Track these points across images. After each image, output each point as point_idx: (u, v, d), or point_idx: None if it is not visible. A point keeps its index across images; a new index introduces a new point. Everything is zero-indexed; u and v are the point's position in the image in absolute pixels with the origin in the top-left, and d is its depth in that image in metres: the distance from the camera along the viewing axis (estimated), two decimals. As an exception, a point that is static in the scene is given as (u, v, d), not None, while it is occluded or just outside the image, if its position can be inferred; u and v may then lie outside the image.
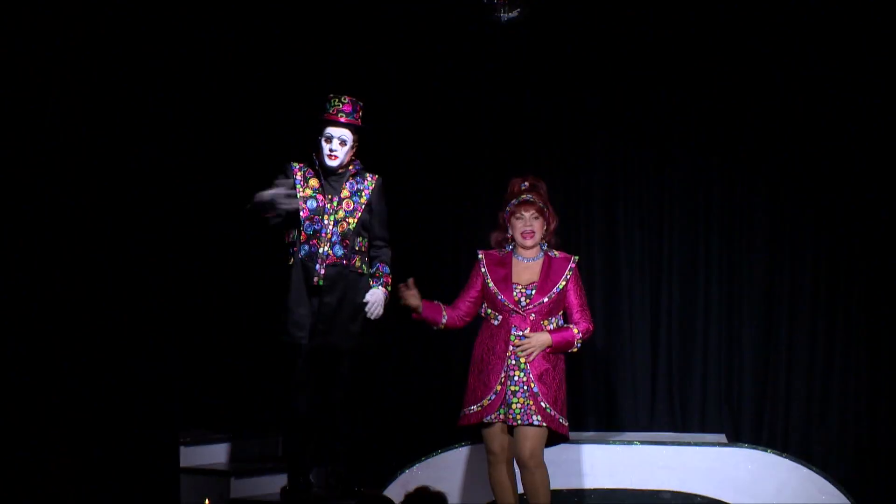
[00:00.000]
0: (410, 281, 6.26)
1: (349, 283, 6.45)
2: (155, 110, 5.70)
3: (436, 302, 6.30)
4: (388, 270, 6.54)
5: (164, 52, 5.74)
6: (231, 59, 7.49)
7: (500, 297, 6.16)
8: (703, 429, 7.49)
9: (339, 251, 6.43)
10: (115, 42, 5.45)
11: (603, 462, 6.81)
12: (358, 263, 6.49)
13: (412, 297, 6.24)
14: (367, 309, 6.42)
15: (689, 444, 6.88)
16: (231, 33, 7.47)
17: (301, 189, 6.47)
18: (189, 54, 6.54)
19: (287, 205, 6.35)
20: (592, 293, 7.36)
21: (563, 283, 6.19)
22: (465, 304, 6.29)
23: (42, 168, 5.25)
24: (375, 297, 6.45)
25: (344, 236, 6.44)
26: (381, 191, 6.57)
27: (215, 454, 7.15)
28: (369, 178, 6.55)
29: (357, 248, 6.49)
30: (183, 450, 6.62)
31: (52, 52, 5.27)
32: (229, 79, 7.53)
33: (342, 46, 7.65)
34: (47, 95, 5.26)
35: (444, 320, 6.29)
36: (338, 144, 6.44)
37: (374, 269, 6.50)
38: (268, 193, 6.33)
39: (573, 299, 6.20)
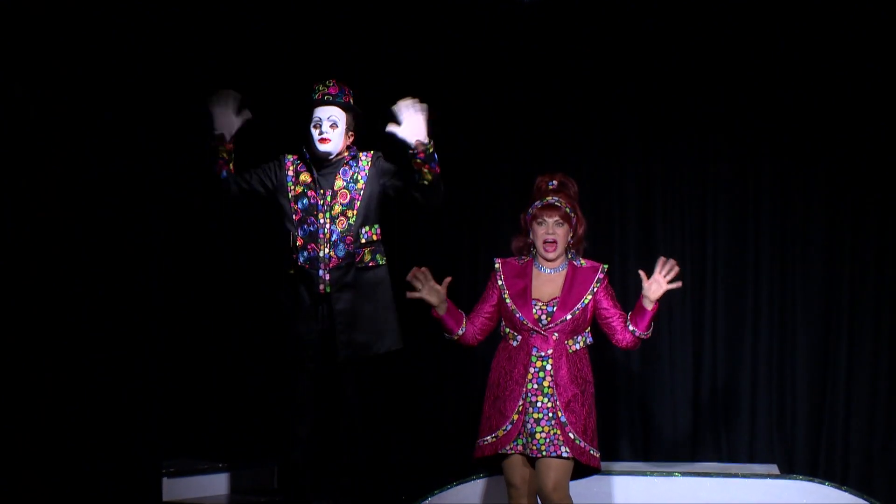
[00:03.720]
0: (447, 280, 5.79)
1: (361, 283, 6.13)
2: (149, 112, 5.85)
3: (461, 311, 5.92)
4: None
5: (149, 46, 5.90)
6: (222, 51, 7.41)
7: (518, 314, 5.78)
8: (752, 459, 7.38)
9: (342, 251, 6.12)
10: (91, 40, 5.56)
11: (639, 496, 6.75)
12: (368, 257, 6.16)
13: (433, 293, 5.75)
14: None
15: (736, 475, 6.82)
16: (223, 22, 7.41)
17: (292, 187, 6.20)
18: (180, 48, 6.67)
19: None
20: (627, 308, 7.17)
21: (589, 296, 5.83)
22: (480, 320, 5.90)
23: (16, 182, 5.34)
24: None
25: (345, 233, 6.12)
26: (382, 160, 6.21)
27: (203, 486, 7.01)
28: (364, 158, 6.25)
29: (365, 241, 6.15)
30: (166, 481, 6.61)
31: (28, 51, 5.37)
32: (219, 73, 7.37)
33: (348, 34, 7.54)
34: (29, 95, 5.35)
35: (460, 331, 5.88)
36: (328, 126, 6.15)
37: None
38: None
39: (611, 310, 5.81)
